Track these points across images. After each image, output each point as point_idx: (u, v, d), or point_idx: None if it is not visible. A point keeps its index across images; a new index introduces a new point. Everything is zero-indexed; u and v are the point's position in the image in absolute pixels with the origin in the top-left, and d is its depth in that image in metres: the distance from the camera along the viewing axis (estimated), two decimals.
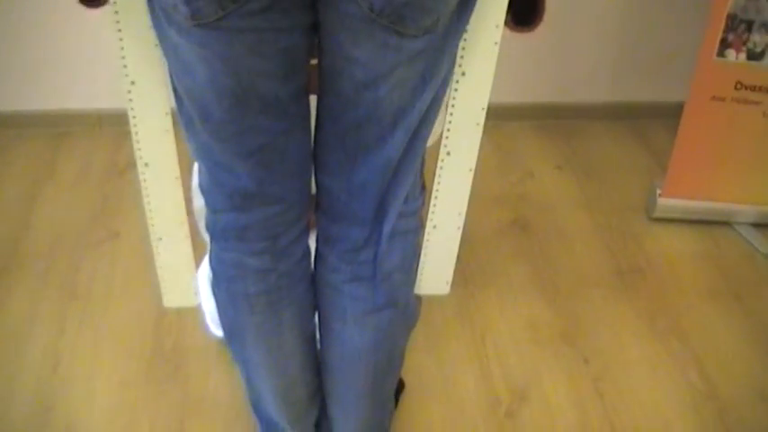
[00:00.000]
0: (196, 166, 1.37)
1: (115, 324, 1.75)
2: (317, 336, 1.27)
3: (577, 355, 1.74)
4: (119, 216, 2.07)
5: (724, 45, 1.86)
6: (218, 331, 1.67)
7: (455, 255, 1.21)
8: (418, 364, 1.68)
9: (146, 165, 1.07)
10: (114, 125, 2.36)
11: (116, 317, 1.77)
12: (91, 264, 1.91)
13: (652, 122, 2.58)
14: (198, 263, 1.61)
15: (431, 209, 1.16)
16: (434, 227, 1.17)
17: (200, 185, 1.10)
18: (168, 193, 1.10)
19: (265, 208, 1.06)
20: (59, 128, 2.41)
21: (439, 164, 1.13)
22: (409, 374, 1.64)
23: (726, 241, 2.09)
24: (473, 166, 1.14)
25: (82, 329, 1.73)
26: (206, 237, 1.29)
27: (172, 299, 1.20)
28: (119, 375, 1.63)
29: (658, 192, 2.11)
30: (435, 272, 1.22)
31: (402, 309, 1.19)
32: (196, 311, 1.71)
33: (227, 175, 1.03)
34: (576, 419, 1.60)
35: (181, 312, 1.76)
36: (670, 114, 2.49)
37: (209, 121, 0.97)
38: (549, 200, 2.22)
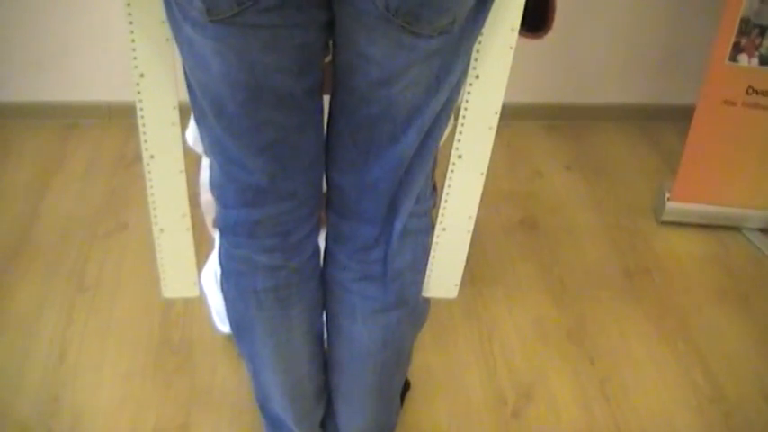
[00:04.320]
0: (205, 160, 1.38)
1: (123, 315, 1.75)
2: (325, 333, 1.27)
3: (584, 356, 1.74)
4: (127, 208, 2.07)
5: (736, 49, 1.85)
6: (223, 327, 1.67)
7: (464, 258, 1.21)
8: (424, 363, 1.68)
9: (151, 157, 1.08)
10: (124, 117, 2.36)
11: (124, 308, 1.77)
12: (99, 255, 1.91)
13: (662, 124, 2.57)
14: (202, 257, 1.62)
15: (441, 211, 1.16)
16: (444, 229, 1.17)
17: (212, 181, 1.10)
18: (172, 185, 1.10)
19: (277, 204, 1.06)
20: (69, 119, 2.42)
21: (450, 167, 1.13)
22: (415, 373, 1.64)
23: (734, 245, 2.09)
24: (484, 170, 1.14)
25: (89, 320, 1.74)
26: (213, 231, 1.29)
27: (172, 289, 1.21)
28: (125, 366, 1.64)
29: (667, 195, 2.11)
30: (444, 275, 1.22)
31: (411, 308, 1.19)
32: (203, 304, 1.71)
33: (240, 171, 1.03)
34: (582, 420, 1.60)
35: (188, 305, 1.76)
36: (680, 117, 2.49)
37: (223, 116, 0.97)
38: (558, 199, 2.22)
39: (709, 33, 2.18)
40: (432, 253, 1.18)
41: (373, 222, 1.10)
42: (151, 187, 1.12)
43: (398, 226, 1.10)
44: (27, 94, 2.39)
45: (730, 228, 2.13)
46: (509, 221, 2.12)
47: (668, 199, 2.10)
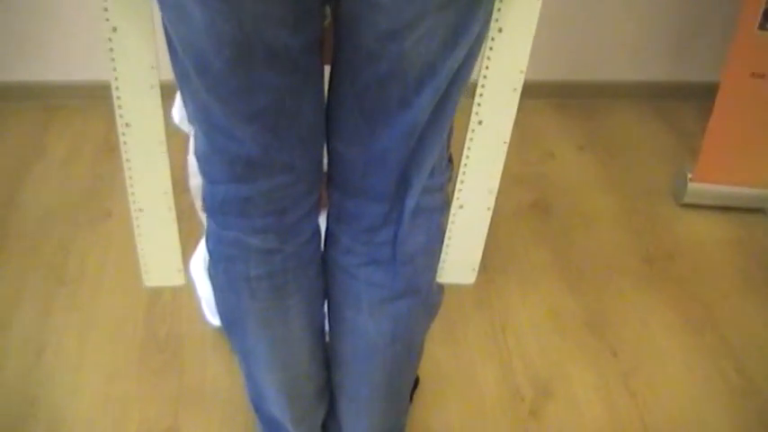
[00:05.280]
0: (193, 139, 1.24)
1: (105, 310, 1.62)
2: (327, 326, 1.14)
3: (605, 348, 1.61)
4: (112, 195, 1.93)
5: (767, 17, 1.72)
6: (214, 320, 1.54)
7: (483, 239, 1.07)
8: (433, 357, 1.55)
9: (127, 125, 0.94)
10: (109, 98, 2.21)
11: (107, 302, 1.64)
12: (81, 245, 1.78)
13: (678, 103, 2.44)
14: (191, 246, 1.49)
15: (458, 186, 1.02)
16: (461, 206, 1.04)
17: (197, 153, 0.97)
18: (151, 157, 0.97)
19: (271, 178, 0.93)
20: (51, 100, 2.28)
21: (469, 134, 0.99)
22: (423, 368, 1.51)
23: (760, 229, 1.96)
24: (507, 138, 1.01)
25: (69, 316, 1.60)
26: (203, 217, 1.15)
27: (153, 277, 1.07)
28: (108, 365, 1.50)
29: (689, 176, 1.98)
30: (460, 258, 1.09)
31: (424, 297, 1.06)
32: (192, 295, 1.58)
33: (228, 140, 0.90)
34: (606, 417, 1.47)
35: (176, 297, 1.63)
36: (697, 95, 2.38)
37: (208, 76, 0.83)
38: (571, 181, 2.09)
39: (730, 5, 2.05)
40: (447, 234, 1.05)
41: (381, 199, 0.97)
42: (127, 161, 0.98)
43: (410, 203, 0.96)
44: (5, 74, 2.25)
45: (754, 210, 2.00)
46: (520, 205, 1.98)
47: (690, 180, 1.97)
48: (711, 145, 1.91)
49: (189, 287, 1.61)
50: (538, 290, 1.73)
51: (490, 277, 1.75)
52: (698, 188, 1.98)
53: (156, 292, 1.64)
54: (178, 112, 1.31)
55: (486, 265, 1.78)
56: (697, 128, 2.23)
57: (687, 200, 2.00)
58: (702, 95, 2.35)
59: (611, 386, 1.53)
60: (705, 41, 2.37)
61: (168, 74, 0.96)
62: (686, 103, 2.43)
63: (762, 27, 1.72)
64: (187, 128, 1.31)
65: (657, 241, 1.91)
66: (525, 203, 1.99)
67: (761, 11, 1.70)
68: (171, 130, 1.00)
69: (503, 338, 1.61)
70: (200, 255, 1.48)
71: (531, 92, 2.35)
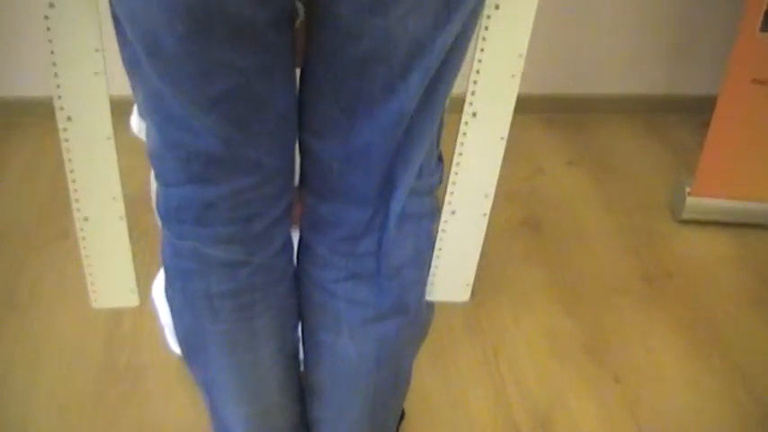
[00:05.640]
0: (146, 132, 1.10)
1: (59, 337, 1.47)
2: (301, 353, 1.00)
3: (606, 373, 1.48)
4: (69, 215, 1.77)
5: None
6: (179, 348, 1.40)
7: (478, 250, 0.95)
8: (420, 386, 1.41)
9: (68, 119, 0.81)
10: None
11: (61, 328, 1.49)
12: (34, 267, 1.63)
13: (670, 117, 2.34)
14: (154, 269, 1.35)
15: (449, 188, 0.90)
16: (453, 212, 0.91)
17: (149, 151, 0.84)
18: (97, 156, 0.84)
19: (234, 179, 0.80)
20: (9, 118, 2.14)
21: (461, 128, 0.87)
22: (409, 399, 1.35)
23: (763, 244, 1.85)
24: (505, 134, 0.89)
25: (19, 343, 1.45)
26: None
27: (102, 298, 0.93)
28: (60, 398, 1.35)
29: (687, 190, 1.87)
30: (453, 272, 0.96)
31: (412, 316, 0.93)
32: (155, 321, 1.43)
33: (184, 133, 0.77)
34: None
35: (138, 324, 1.48)
36: (689, 109, 2.30)
37: (159, 57, 0.71)
38: (563, 198, 1.98)
39: (727, 18, 1.97)
40: (437, 244, 0.92)
41: (363, 203, 0.84)
42: (69, 160, 0.85)
43: (396, 207, 0.84)
44: None
45: (756, 225, 1.89)
46: (510, 222, 1.86)
47: (688, 194, 1.86)
48: (710, 156, 1.81)
49: (151, 313, 1.47)
50: (532, 312, 1.61)
51: (480, 299, 1.62)
52: (697, 202, 1.87)
53: (116, 319, 1.50)
54: (136, 120, 1.18)
55: (474, 286, 1.65)
56: (692, 142, 2.13)
57: (686, 215, 1.88)
58: (696, 109, 2.28)
59: (615, 416, 1.40)
60: (699, 54, 2.28)
61: (119, 89, 0.84)
62: (679, 116, 2.33)
63: (763, 29, 1.63)
64: (145, 137, 1.18)
65: (656, 259, 1.79)
66: (515, 221, 1.87)
67: (762, 12, 1.61)
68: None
69: (495, 365, 1.48)
70: (162, 280, 1.34)
71: (518, 106, 2.25)
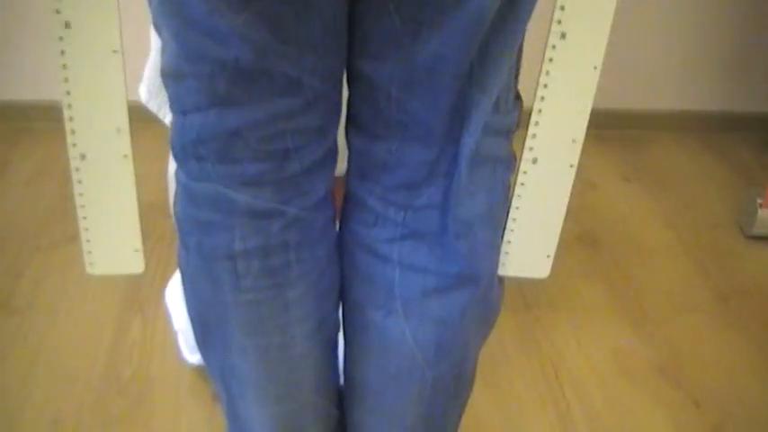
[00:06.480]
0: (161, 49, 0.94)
1: (58, 344, 1.29)
2: (341, 340, 0.82)
3: (684, 397, 1.28)
4: (77, 219, 1.62)
5: None
6: (193, 357, 1.22)
7: (563, 212, 0.78)
8: (471, 407, 1.21)
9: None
10: None
11: (60, 335, 1.31)
12: (37, 271, 1.46)
13: (727, 135, 2.16)
14: (169, 272, 1.20)
15: (530, 131, 0.73)
16: (534, 161, 0.74)
17: (162, 70, 0.67)
18: (99, 69, 0.67)
19: (268, 102, 0.63)
20: (19, 122, 2.01)
21: (547, 55, 0.70)
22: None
23: None
24: (599, 62, 0.72)
25: (13, 350, 1.28)
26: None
27: (101, 263, 0.76)
28: (53, 411, 1.17)
29: (759, 201, 1.68)
30: (531, 240, 0.78)
31: (484, 290, 0.74)
32: (168, 329, 1.26)
33: (207, 41, 0.60)
34: None
35: (147, 330, 1.31)
36: (747, 127, 2.14)
37: None
38: (620, 213, 1.80)
39: None
40: (514, 202, 0.75)
41: (427, 140, 0.67)
42: (66, 80, 0.69)
43: (469, 144, 0.66)
44: None
45: None
46: (564, 236, 1.66)
47: (761, 206, 1.67)
48: None
49: (164, 318, 1.30)
50: (594, 329, 1.41)
51: (535, 315, 1.43)
52: None
53: (123, 326, 1.32)
54: (145, 88, 1.02)
55: (528, 302, 1.47)
56: (753, 160, 1.98)
57: (757, 230, 1.69)
58: (756, 127, 2.12)
59: None
60: (757, 70, 2.12)
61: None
62: (737, 134, 2.15)
63: None
64: (157, 108, 1.02)
65: (727, 276, 1.59)
66: (569, 235, 1.68)
67: None
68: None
69: (557, 385, 1.28)
70: (178, 281, 1.17)
71: None
